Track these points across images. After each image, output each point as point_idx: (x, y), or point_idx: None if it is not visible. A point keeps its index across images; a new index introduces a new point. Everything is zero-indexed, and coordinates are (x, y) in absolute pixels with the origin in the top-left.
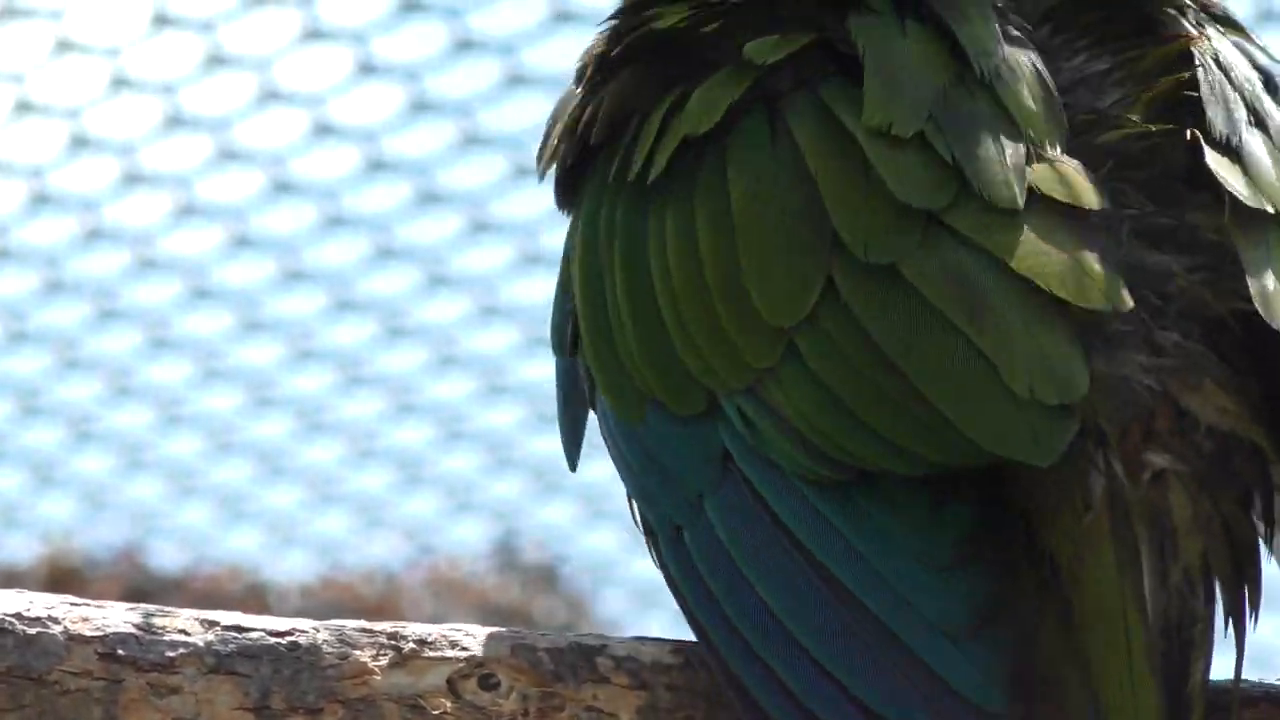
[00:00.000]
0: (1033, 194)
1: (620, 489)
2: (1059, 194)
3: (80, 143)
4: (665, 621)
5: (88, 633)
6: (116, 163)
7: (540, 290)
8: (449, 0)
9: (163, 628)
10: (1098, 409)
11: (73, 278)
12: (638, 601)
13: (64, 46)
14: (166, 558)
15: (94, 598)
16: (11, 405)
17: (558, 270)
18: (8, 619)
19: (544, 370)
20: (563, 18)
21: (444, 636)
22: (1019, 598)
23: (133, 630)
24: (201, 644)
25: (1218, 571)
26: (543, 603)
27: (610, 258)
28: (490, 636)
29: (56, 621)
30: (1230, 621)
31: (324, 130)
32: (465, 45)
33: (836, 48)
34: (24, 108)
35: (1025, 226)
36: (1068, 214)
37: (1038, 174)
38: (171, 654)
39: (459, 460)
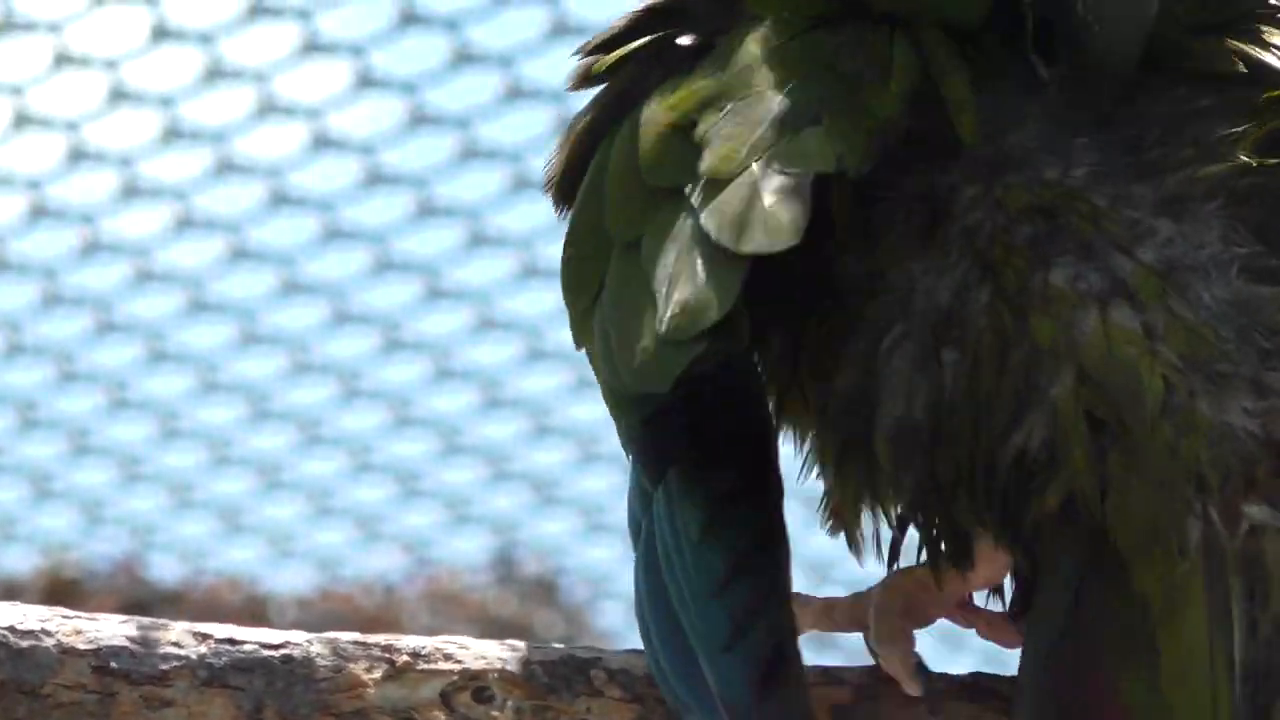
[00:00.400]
0: (761, 163)
1: (617, 501)
2: (779, 162)
3: (79, 155)
4: None
5: (81, 646)
6: (115, 175)
7: (539, 302)
8: (449, 13)
9: (156, 640)
10: (1200, 454)
11: (71, 290)
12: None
13: (62, 59)
14: (165, 570)
15: (92, 610)
16: (9, 418)
17: (557, 282)
18: (1, 632)
19: (542, 383)
20: (562, 31)
21: (438, 649)
22: (771, 614)
23: (126, 643)
24: (195, 657)
25: None
26: (542, 615)
27: None
28: (484, 649)
29: (50, 634)
30: None
31: (323, 142)
32: (465, 58)
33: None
34: (22, 120)
35: (731, 190)
36: (780, 178)
37: (778, 149)
38: (165, 667)
39: (457, 473)
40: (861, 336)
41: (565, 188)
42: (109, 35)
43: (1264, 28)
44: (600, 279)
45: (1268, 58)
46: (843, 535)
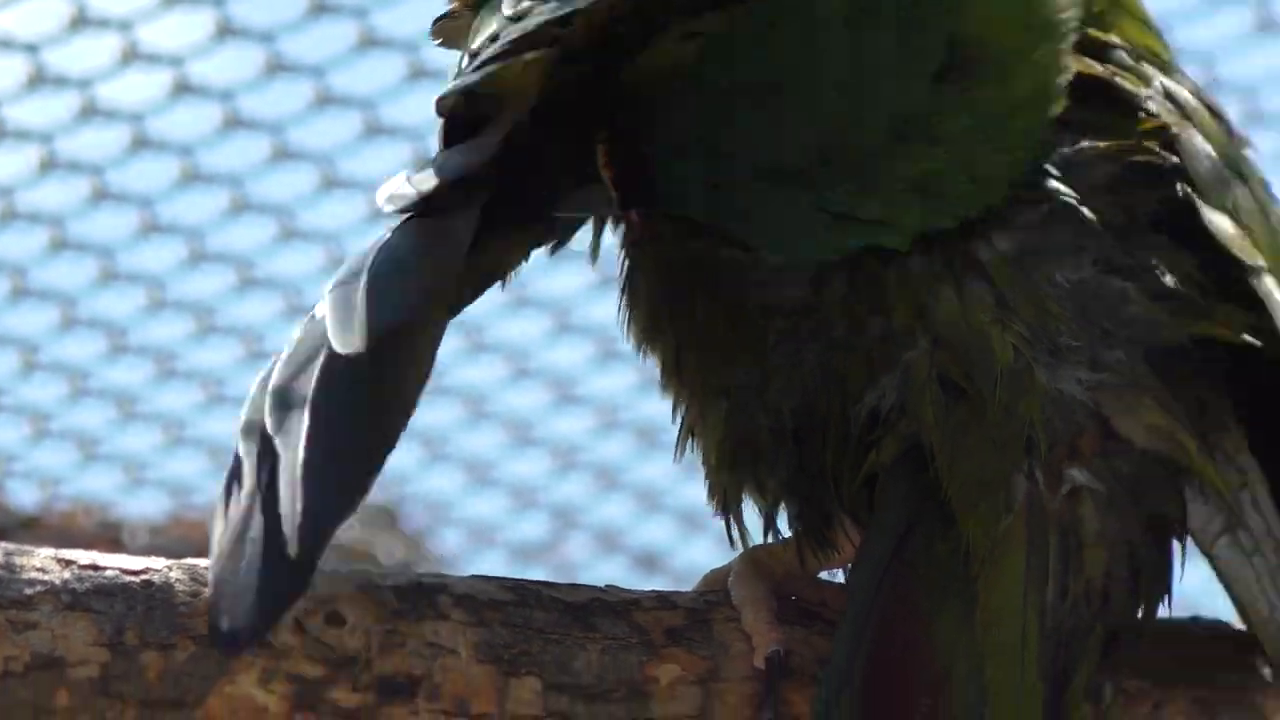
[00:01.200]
0: None
1: (459, 432)
2: None
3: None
4: (500, 561)
5: None
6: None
7: None
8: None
9: (21, 566)
10: (1033, 417)
11: None
12: (474, 540)
13: None
14: (23, 496)
15: None
16: None
17: None
18: None
19: None
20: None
21: None
22: None
23: None
24: (59, 582)
25: (1115, 589)
26: (383, 541)
27: None
28: (336, 575)
29: None
30: (1117, 638)
31: (226, 31)
32: (370, 43)
33: None
34: None
35: None
36: None
37: None
38: (30, 591)
39: None
40: (747, 333)
41: None
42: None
43: (1145, 65)
44: None
45: (1160, 82)
46: (720, 517)
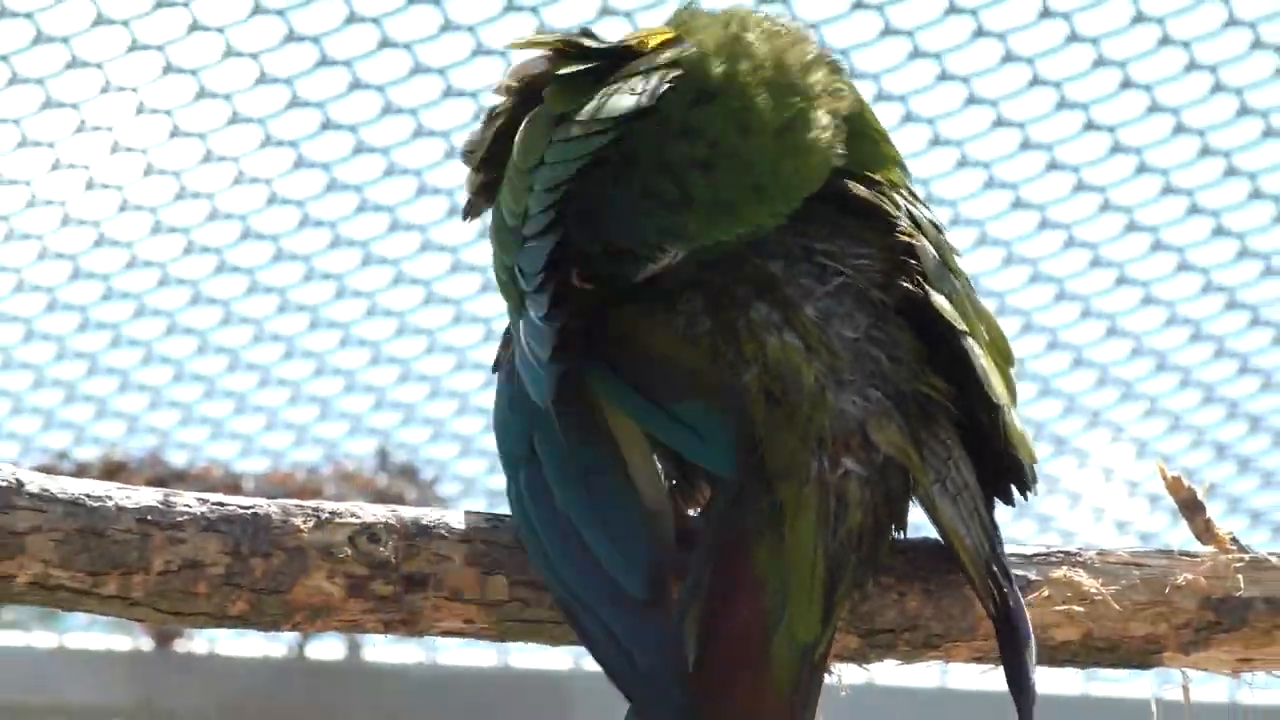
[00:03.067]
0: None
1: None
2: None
3: None
4: (481, 500)
5: (129, 505)
6: None
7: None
8: None
9: (174, 503)
10: (825, 424)
11: None
12: (467, 489)
13: None
14: (176, 459)
15: (130, 484)
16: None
17: None
18: (80, 496)
19: None
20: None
21: (347, 509)
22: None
23: (156, 504)
24: (199, 513)
25: (865, 537)
26: (407, 489)
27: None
28: (375, 510)
29: (110, 498)
30: (866, 562)
31: None
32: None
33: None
34: None
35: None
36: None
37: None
38: (181, 519)
39: (354, 402)
40: (644, 359)
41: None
42: None
43: (897, 196)
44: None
45: (906, 206)
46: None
